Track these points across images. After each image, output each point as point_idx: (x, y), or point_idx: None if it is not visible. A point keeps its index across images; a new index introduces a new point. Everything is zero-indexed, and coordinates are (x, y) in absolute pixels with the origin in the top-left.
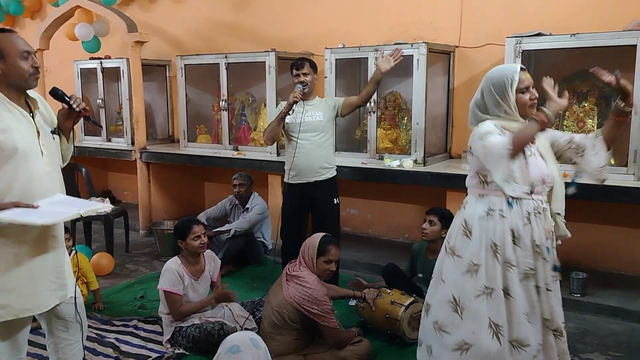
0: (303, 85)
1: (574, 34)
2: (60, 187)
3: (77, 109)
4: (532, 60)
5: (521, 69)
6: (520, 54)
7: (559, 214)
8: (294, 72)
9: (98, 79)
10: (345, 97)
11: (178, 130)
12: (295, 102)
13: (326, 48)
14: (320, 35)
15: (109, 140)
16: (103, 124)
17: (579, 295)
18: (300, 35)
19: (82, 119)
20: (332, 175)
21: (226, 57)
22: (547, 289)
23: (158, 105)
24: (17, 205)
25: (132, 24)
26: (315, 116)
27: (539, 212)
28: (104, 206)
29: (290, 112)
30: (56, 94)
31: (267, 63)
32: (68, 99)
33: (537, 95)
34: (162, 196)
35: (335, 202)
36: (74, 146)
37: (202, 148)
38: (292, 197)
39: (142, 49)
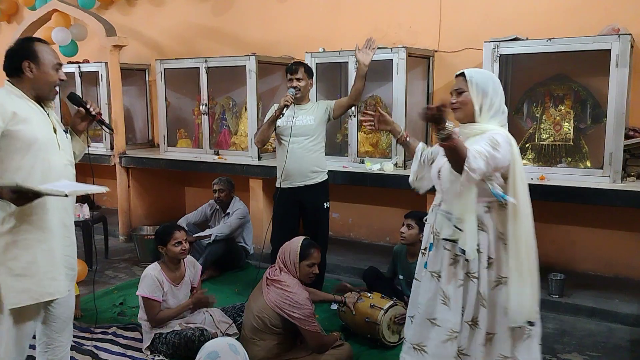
0: (296, 90)
1: (550, 39)
2: (74, 178)
3: (94, 113)
4: (510, 65)
5: (457, 75)
6: (498, 58)
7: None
8: (288, 76)
9: (76, 83)
10: (335, 99)
11: (158, 135)
12: (287, 106)
13: (306, 52)
14: (301, 40)
15: (88, 145)
16: None
17: (557, 296)
18: (280, 40)
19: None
20: (322, 180)
21: (206, 61)
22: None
23: (137, 109)
24: (18, 185)
25: (110, 27)
26: (307, 120)
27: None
28: (101, 188)
29: (281, 115)
30: (74, 98)
31: (248, 67)
32: (85, 103)
33: (454, 100)
34: (142, 201)
35: (325, 207)
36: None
37: (182, 152)
38: (283, 202)
39: (121, 53)
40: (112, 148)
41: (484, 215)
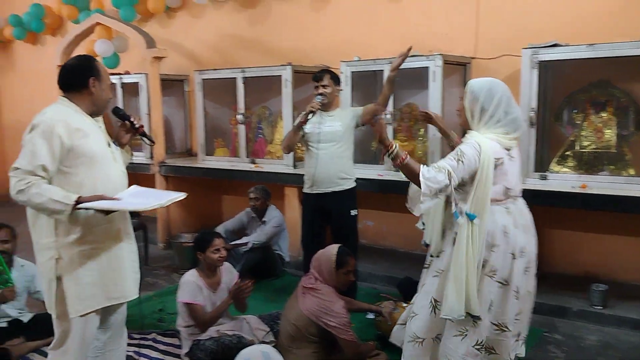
0: (322, 97)
1: (590, 44)
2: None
3: (137, 126)
4: (549, 71)
5: None
6: (537, 64)
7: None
8: (315, 84)
9: (117, 94)
10: (365, 104)
11: (196, 144)
12: (312, 112)
13: (342, 61)
14: (336, 48)
15: (131, 156)
16: None
17: (599, 307)
18: (316, 49)
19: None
20: (350, 187)
21: (243, 71)
22: None
23: (176, 119)
24: (102, 197)
25: (150, 39)
26: (334, 126)
27: None
28: (179, 195)
29: (307, 121)
30: (117, 112)
31: (284, 77)
32: (129, 116)
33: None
34: (180, 209)
35: (352, 214)
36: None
37: (219, 161)
38: (309, 208)
39: (161, 64)
40: (152, 157)
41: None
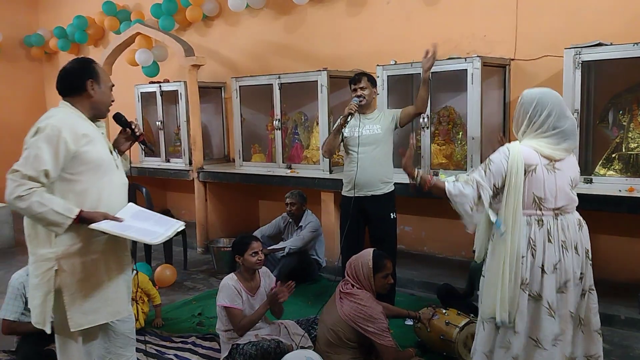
0: (360, 99)
1: (636, 43)
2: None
3: (138, 134)
4: (593, 71)
5: None
6: (580, 65)
7: None
8: (352, 86)
9: (157, 102)
10: (401, 108)
11: (233, 150)
12: (351, 115)
13: (378, 65)
14: (372, 52)
15: (168, 161)
16: (162, 145)
17: None
18: (351, 53)
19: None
20: (389, 190)
21: (279, 77)
22: None
23: (214, 126)
24: (105, 217)
25: (189, 48)
26: (374, 129)
27: None
28: (179, 225)
29: (346, 124)
30: (119, 119)
31: (319, 82)
32: (130, 123)
33: None
34: (218, 214)
35: (392, 217)
36: (132, 166)
37: (256, 167)
38: (349, 211)
39: (199, 72)
40: (190, 163)
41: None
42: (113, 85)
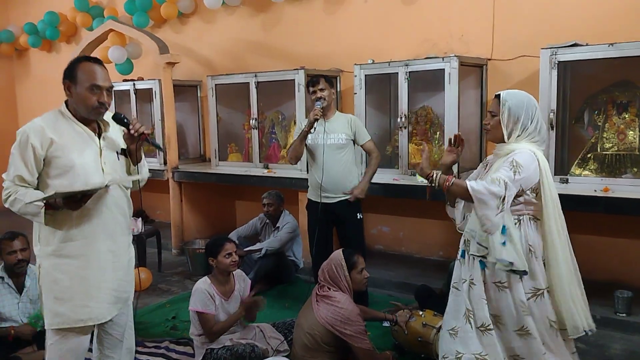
0: (322, 102)
1: (611, 44)
2: (124, 201)
3: (136, 134)
4: (568, 72)
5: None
6: (556, 65)
7: None
8: (310, 89)
9: (131, 100)
10: (369, 140)
11: (209, 149)
12: (316, 120)
13: (355, 64)
14: (350, 52)
15: (135, 164)
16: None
17: (624, 314)
18: (329, 52)
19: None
20: None
21: (256, 76)
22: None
23: (190, 125)
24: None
25: (163, 45)
26: (339, 138)
27: None
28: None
29: (312, 130)
30: (117, 118)
31: (297, 81)
32: (128, 123)
33: (487, 122)
34: (194, 215)
35: (359, 218)
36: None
37: (233, 167)
38: (317, 215)
39: (174, 70)
40: (165, 163)
41: (513, 228)
42: (97, 86)
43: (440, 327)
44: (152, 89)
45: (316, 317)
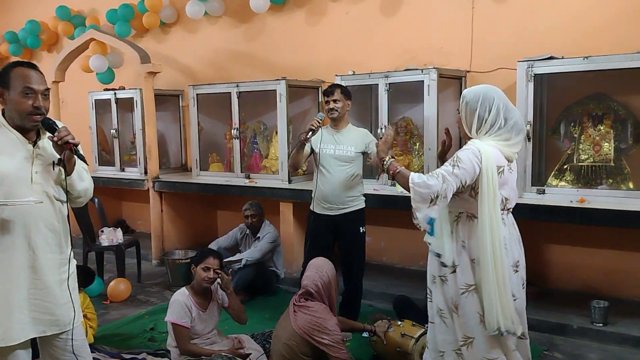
0: (332, 113)
1: (586, 57)
2: (53, 215)
3: (59, 143)
4: (545, 84)
5: None
6: (533, 77)
7: None
8: (325, 98)
9: (112, 109)
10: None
11: (191, 159)
12: (313, 131)
13: (336, 75)
14: (331, 63)
15: (123, 170)
16: (117, 154)
17: (600, 324)
18: (310, 63)
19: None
20: (360, 207)
21: (237, 86)
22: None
23: (171, 134)
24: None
25: (145, 55)
26: (347, 150)
27: None
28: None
29: (308, 140)
30: (46, 123)
31: (278, 91)
32: (54, 130)
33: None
34: (174, 225)
35: (362, 231)
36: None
37: (214, 177)
38: (319, 227)
39: (156, 79)
40: (145, 172)
41: (445, 222)
42: (31, 89)
43: (418, 336)
44: (133, 98)
45: (293, 326)
